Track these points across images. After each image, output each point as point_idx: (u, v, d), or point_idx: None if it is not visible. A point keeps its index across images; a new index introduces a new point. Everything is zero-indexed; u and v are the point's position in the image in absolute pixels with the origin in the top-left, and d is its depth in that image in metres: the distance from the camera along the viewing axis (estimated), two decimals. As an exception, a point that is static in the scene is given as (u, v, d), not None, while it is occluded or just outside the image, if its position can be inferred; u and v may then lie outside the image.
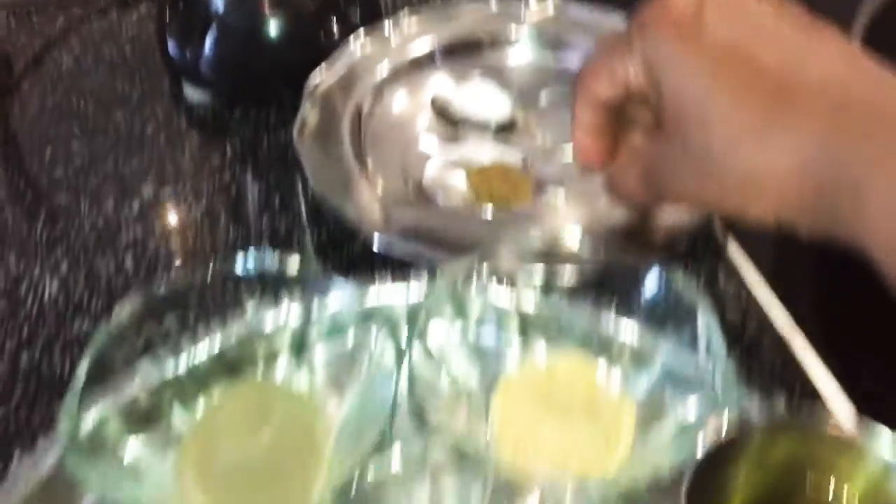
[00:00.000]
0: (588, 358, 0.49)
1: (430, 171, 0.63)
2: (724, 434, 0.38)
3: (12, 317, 0.56)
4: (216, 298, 0.47)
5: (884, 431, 0.37)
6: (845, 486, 0.38)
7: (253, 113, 0.72)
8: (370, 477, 0.40)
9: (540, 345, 0.50)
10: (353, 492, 0.40)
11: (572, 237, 0.56)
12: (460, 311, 0.49)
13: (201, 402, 0.47)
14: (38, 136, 0.70)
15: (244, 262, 0.47)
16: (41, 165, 0.67)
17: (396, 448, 0.42)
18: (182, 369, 0.47)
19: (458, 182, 0.63)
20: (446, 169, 0.64)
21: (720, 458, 0.38)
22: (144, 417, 0.44)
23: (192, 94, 0.72)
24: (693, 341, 0.45)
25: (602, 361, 0.49)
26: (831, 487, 0.39)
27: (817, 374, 0.50)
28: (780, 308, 0.54)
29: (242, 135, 0.70)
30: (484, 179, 0.63)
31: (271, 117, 0.71)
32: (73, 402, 0.40)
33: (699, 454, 0.38)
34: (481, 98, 0.70)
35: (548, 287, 0.50)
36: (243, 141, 0.69)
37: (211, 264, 0.47)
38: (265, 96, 0.72)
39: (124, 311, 0.44)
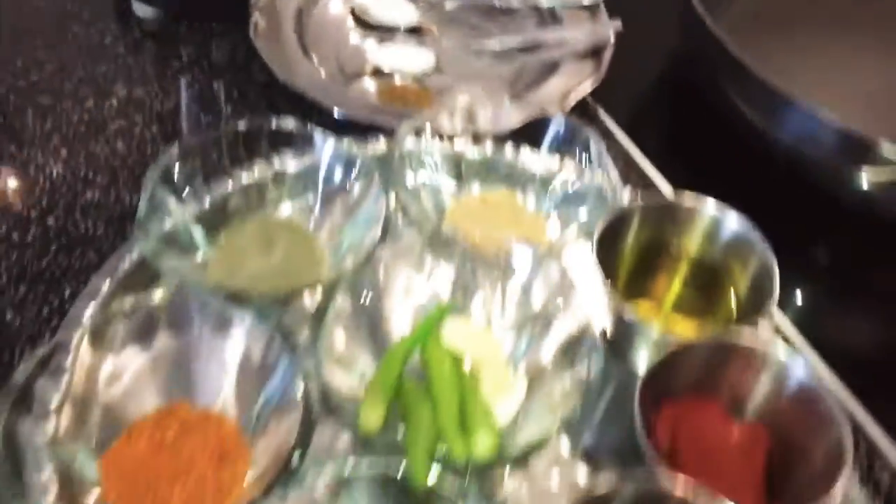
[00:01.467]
0: (511, 188, 0.66)
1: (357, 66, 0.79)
2: (614, 215, 0.57)
3: (30, 192, 0.66)
4: (231, 151, 0.60)
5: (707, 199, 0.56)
6: (689, 242, 0.58)
7: (197, 25, 0.83)
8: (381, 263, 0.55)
9: (474, 183, 0.67)
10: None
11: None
12: (414, 159, 0.64)
13: (222, 233, 0.61)
14: (2, 50, 0.79)
15: (250, 122, 0.60)
16: (16, 72, 0.76)
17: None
18: (207, 205, 0.60)
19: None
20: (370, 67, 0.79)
21: (614, 228, 0.56)
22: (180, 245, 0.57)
23: (141, 9, 0.83)
24: (589, 164, 0.63)
25: (520, 189, 0.66)
26: (681, 246, 0.58)
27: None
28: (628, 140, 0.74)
29: (194, 43, 0.81)
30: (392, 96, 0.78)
31: (215, 27, 0.83)
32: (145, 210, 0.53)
33: (599, 228, 0.55)
34: (391, 5, 0.85)
35: (475, 138, 0.67)
36: (196, 48, 0.80)
37: (222, 125, 0.60)
38: (207, 10, 0.83)
39: (167, 156, 0.57)
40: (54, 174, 0.68)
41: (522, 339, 0.55)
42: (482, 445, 0.46)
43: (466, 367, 0.53)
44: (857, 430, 0.56)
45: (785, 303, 0.63)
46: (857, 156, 0.63)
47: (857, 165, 0.64)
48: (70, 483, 0.46)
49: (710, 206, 0.57)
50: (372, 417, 0.45)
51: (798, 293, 0.66)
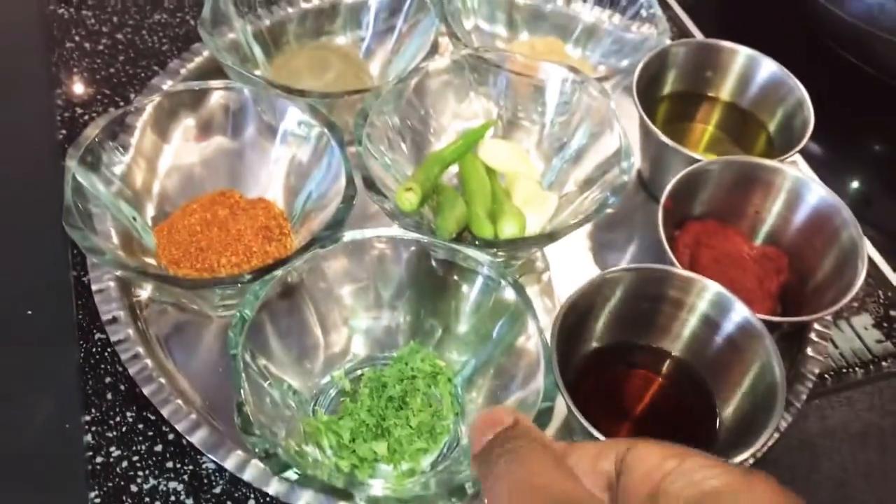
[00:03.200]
0: (560, 38, 0.68)
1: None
2: (655, 54, 0.59)
3: (103, 6, 0.70)
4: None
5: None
6: (724, 84, 0.60)
7: None
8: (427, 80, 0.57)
9: (523, 31, 0.69)
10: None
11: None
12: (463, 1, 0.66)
13: (279, 55, 0.64)
14: None
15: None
16: None
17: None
18: (266, 25, 0.63)
19: None
20: None
21: (655, 67, 0.58)
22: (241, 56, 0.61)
23: None
24: (636, 16, 0.65)
25: (568, 39, 0.68)
26: (717, 87, 0.60)
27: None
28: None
29: None
30: None
31: None
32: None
33: (641, 64, 0.57)
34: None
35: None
36: None
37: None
38: None
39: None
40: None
41: (557, 162, 0.57)
42: (508, 230, 0.49)
43: (501, 181, 0.56)
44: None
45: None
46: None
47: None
48: (130, 240, 0.50)
49: (744, 50, 0.59)
50: (409, 197, 0.48)
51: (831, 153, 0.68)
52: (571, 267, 0.56)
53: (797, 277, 0.52)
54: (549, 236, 0.49)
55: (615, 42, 0.66)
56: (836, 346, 0.54)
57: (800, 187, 0.52)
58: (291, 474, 0.39)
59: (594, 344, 0.48)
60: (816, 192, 0.51)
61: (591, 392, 0.46)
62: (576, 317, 0.45)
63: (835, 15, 0.68)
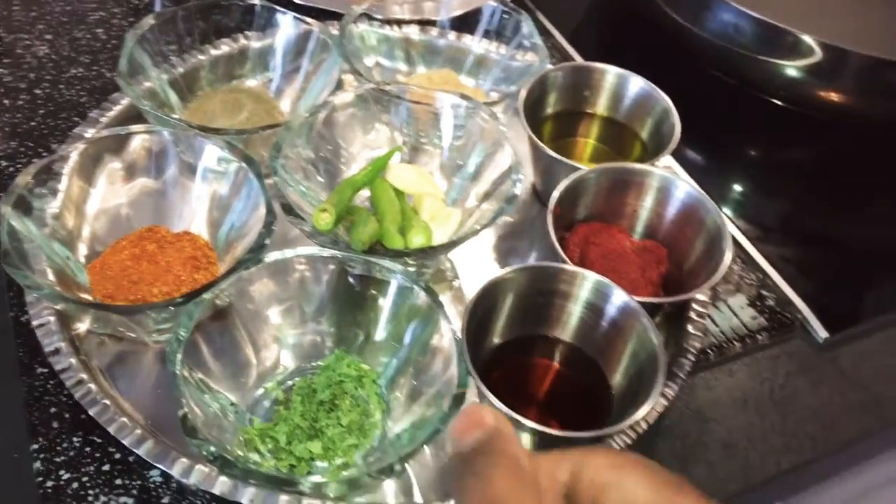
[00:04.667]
0: (453, 69, 0.75)
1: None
2: (539, 77, 0.65)
3: (19, 65, 0.73)
4: (201, 26, 0.68)
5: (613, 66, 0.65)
6: (599, 101, 0.67)
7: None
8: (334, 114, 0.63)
9: (420, 66, 0.75)
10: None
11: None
12: (366, 40, 0.72)
13: (193, 100, 0.68)
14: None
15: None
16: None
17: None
18: (180, 72, 0.68)
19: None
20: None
21: (539, 91, 0.65)
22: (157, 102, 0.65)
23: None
24: (520, 46, 0.72)
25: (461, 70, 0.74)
26: (594, 105, 0.67)
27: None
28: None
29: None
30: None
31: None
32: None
33: (526, 87, 0.64)
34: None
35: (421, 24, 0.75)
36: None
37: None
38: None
39: (144, 24, 0.64)
40: (41, 54, 0.75)
41: (458, 180, 0.63)
42: (417, 241, 0.54)
43: (409, 201, 0.61)
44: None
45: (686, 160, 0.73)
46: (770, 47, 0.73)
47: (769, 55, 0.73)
48: (65, 278, 0.54)
49: (613, 69, 0.66)
50: (325, 217, 0.54)
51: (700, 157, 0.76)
52: (479, 274, 0.61)
53: (675, 266, 0.59)
54: (453, 242, 0.54)
55: (503, 70, 0.73)
56: (716, 325, 0.61)
57: (668, 185, 0.59)
58: (238, 472, 0.43)
59: (497, 340, 0.54)
60: (682, 188, 0.58)
61: (499, 382, 0.52)
62: (480, 314, 0.51)
63: (696, 34, 0.77)
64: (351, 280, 0.53)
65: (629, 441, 0.51)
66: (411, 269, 0.57)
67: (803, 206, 0.75)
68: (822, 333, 0.61)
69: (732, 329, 0.62)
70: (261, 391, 0.53)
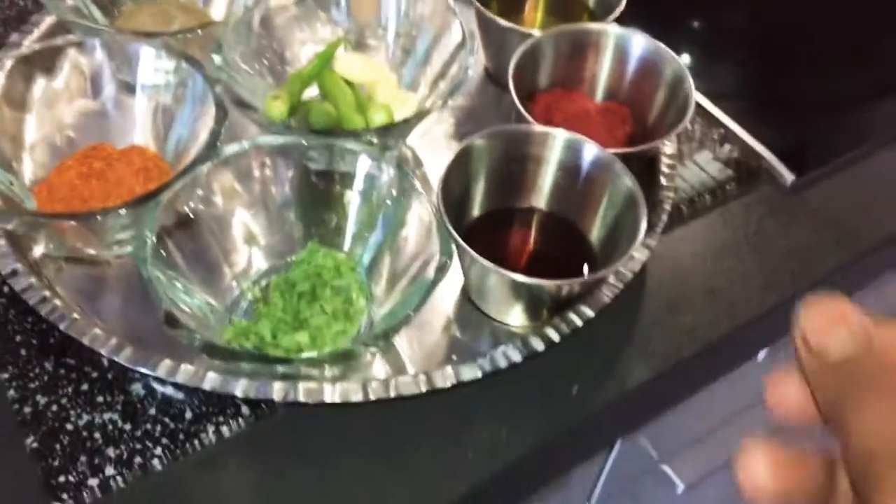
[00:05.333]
0: None
1: None
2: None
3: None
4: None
5: None
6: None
7: None
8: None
9: None
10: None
11: None
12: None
13: (119, 15, 0.65)
14: None
15: None
16: None
17: None
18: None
19: None
20: None
21: None
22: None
23: None
24: None
25: None
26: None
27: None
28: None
29: None
30: None
31: None
32: None
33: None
34: None
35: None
36: None
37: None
38: None
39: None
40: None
41: (408, 69, 0.61)
42: (378, 118, 0.52)
43: (362, 91, 0.59)
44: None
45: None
46: None
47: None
48: (12, 206, 0.51)
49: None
50: (278, 105, 0.51)
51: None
52: (441, 161, 0.60)
53: (639, 125, 0.58)
54: (419, 115, 0.52)
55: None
56: (685, 181, 0.61)
57: (625, 42, 0.58)
58: (228, 355, 0.41)
59: (474, 213, 0.52)
60: (639, 42, 0.57)
61: (480, 254, 0.51)
62: (455, 185, 0.49)
63: None
64: (314, 178, 0.52)
65: (616, 291, 0.50)
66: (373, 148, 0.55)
67: (754, 65, 0.75)
68: (788, 177, 0.62)
69: (702, 183, 0.61)
70: (236, 292, 0.51)
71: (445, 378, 0.46)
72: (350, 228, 0.52)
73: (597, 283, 0.50)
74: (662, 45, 0.57)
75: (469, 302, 0.52)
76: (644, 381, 0.50)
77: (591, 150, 0.50)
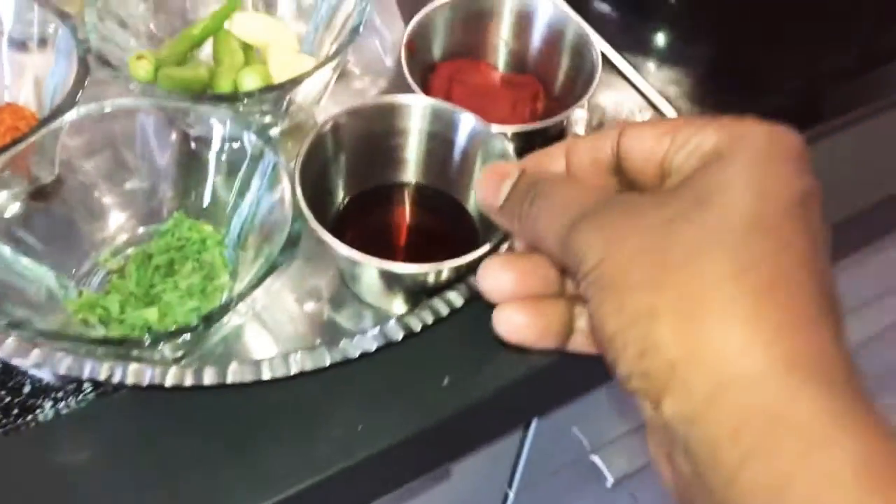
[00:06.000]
0: None
1: None
2: None
3: None
4: None
5: None
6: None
7: None
8: None
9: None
10: None
11: None
12: None
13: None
14: None
15: None
16: None
17: None
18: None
19: None
20: None
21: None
22: None
23: None
24: None
25: None
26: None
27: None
28: None
29: None
30: None
31: None
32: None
33: None
34: None
35: None
36: None
37: None
38: None
39: None
40: None
41: (311, 28, 0.58)
42: (248, 82, 0.49)
43: (256, 52, 0.56)
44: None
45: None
46: None
47: None
48: None
49: None
50: (142, 65, 0.48)
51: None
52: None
53: (553, 100, 0.55)
54: (293, 81, 0.49)
55: None
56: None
57: (527, 8, 0.53)
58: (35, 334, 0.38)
59: (344, 195, 0.49)
60: (541, 7, 0.53)
61: (355, 240, 0.48)
62: (316, 168, 0.46)
63: None
64: (193, 145, 0.49)
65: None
66: (265, 120, 0.52)
67: (680, 33, 0.69)
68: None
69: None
70: (89, 263, 0.48)
71: (300, 363, 0.44)
72: (218, 200, 0.49)
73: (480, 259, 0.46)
74: (565, 9, 0.53)
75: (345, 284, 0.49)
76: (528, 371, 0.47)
77: (467, 122, 0.46)
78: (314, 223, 0.42)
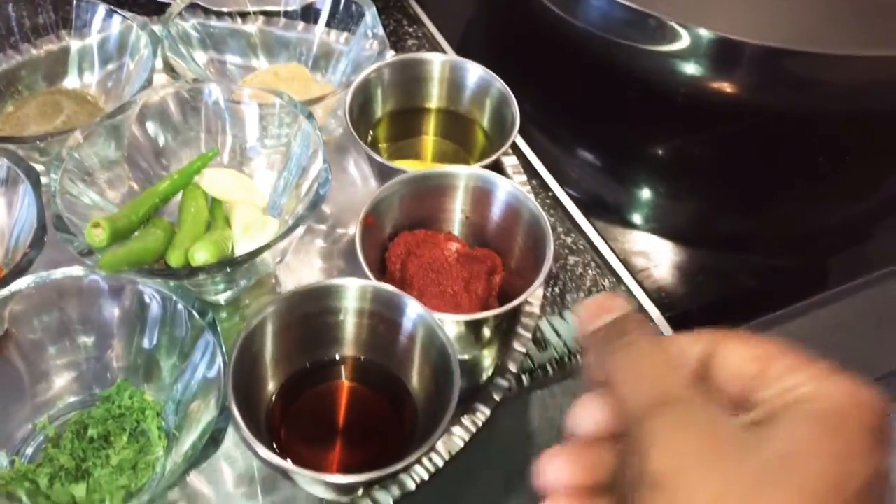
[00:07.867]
0: (300, 62, 0.69)
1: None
2: (367, 73, 0.60)
3: None
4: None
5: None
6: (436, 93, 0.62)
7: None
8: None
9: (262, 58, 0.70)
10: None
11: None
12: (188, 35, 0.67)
13: (9, 104, 0.63)
14: None
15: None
16: None
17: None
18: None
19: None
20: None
21: (368, 87, 0.60)
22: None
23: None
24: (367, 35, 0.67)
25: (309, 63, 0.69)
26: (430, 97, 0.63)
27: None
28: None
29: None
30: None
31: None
32: None
33: (354, 85, 0.59)
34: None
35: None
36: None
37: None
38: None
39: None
40: None
41: (279, 187, 0.58)
42: (199, 257, 0.49)
43: (224, 209, 0.57)
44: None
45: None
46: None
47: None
48: None
49: (447, 58, 0.62)
50: (97, 233, 0.48)
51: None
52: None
53: (514, 274, 0.54)
54: (250, 255, 0.49)
55: (353, 62, 0.67)
56: (559, 336, 0.56)
57: (488, 186, 0.54)
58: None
59: (287, 370, 0.49)
60: (503, 187, 0.53)
61: (295, 418, 0.47)
62: (254, 352, 0.46)
63: (568, 22, 0.71)
64: (138, 310, 0.49)
65: (433, 470, 0.46)
66: (219, 287, 0.53)
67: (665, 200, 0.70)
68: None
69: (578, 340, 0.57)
70: (28, 428, 0.48)
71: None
72: (164, 366, 0.49)
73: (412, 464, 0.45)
74: (521, 190, 0.53)
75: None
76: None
77: (414, 309, 0.46)
78: (246, 432, 0.41)
